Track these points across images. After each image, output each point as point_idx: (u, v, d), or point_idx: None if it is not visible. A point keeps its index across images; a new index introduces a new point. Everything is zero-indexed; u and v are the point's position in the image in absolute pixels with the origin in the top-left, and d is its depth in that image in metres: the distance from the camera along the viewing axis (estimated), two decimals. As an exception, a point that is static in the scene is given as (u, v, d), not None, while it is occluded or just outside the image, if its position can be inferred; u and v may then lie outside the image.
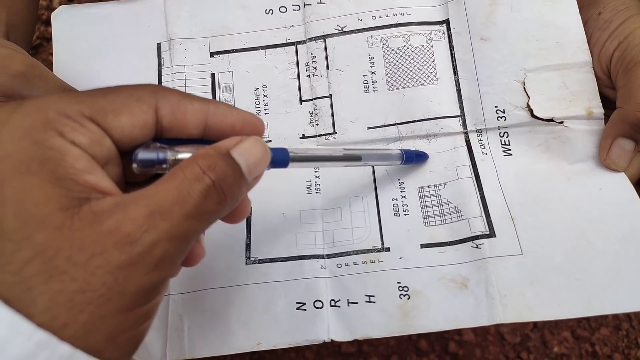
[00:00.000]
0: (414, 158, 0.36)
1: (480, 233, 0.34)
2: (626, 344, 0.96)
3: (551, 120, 0.36)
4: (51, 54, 0.39)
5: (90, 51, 0.40)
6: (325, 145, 0.38)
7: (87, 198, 0.20)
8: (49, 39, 1.19)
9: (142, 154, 0.22)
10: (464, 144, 0.37)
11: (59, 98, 0.21)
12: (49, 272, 0.18)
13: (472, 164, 0.36)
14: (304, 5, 0.40)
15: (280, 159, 0.27)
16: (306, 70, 0.39)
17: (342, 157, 0.32)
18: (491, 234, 0.34)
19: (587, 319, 0.97)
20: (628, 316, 0.97)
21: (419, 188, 0.36)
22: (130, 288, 0.19)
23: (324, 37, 0.40)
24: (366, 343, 0.95)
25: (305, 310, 0.33)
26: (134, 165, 0.22)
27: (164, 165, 0.22)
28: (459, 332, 0.95)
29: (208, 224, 0.22)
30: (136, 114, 0.22)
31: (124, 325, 0.20)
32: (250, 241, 0.35)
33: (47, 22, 1.24)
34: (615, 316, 0.97)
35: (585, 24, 0.37)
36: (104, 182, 0.21)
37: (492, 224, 0.34)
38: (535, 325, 0.98)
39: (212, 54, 0.40)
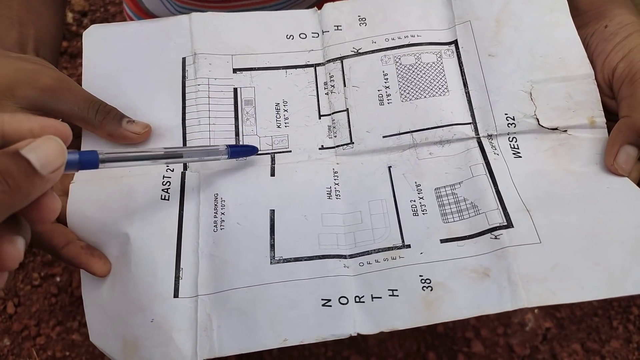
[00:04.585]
0: (241, 152, 0.39)
1: (498, 225, 0.35)
2: (637, 357, 0.97)
3: (555, 129, 0.38)
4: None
5: (118, 65, 0.42)
6: (344, 155, 0.40)
7: None
8: (73, 55, 1.22)
9: None
10: (477, 145, 0.39)
11: None
12: None
13: (485, 162, 0.38)
14: (322, 32, 0.43)
15: (89, 160, 0.29)
16: (324, 88, 0.42)
17: (162, 155, 0.35)
18: (509, 224, 0.35)
19: (598, 331, 0.98)
20: (639, 328, 0.98)
21: (435, 189, 0.38)
22: None
23: (341, 59, 0.42)
24: (374, 355, 0.96)
25: (330, 306, 0.34)
26: None
27: None
28: (467, 344, 0.96)
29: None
30: None
31: None
32: (274, 241, 0.36)
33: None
34: (626, 328, 0.98)
35: (591, 35, 0.40)
36: None
37: (508, 215, 0.36)
38: (545, 337, 0.98)
39: (235, 70, 0.42)
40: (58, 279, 1.03)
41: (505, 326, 0.98)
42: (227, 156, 0.38)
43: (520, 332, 0.98)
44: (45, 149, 0.25)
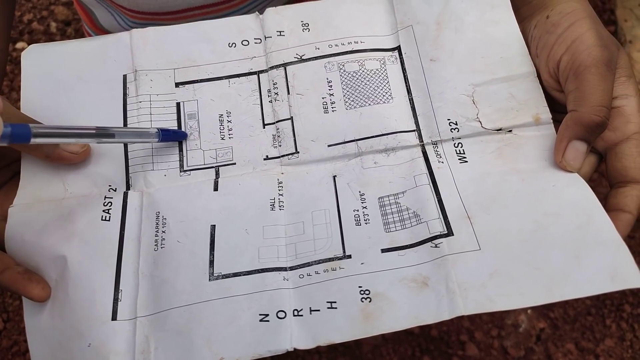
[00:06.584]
0: (172, 136, 0.40)
1: (439, 233, 0.35)
2: (631, 354, 0.95)
3: (500, 129, 0.38)
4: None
5: (57, 85, 0.41)
6: (289, 165, 0.40)
7: None
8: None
9: None
10: (421, 155, 0.38)
11: None
12: None
13: (429, 172, 0.37)
14: (265, 38, 0.43)
15: (21, 133, 0.30)
16: (268, 96, 0.41)
17: (94, 134, 0.34)
18: (449, 233, 0.35)
19: (592, 330, 0.96)
20: (632, 326, 0.96)
21: (379, 198, 0.37)
22: None
23: (284, 65, 0.42)
24: (368, 361, 0.95)
25: (268, 321, 0.33)
26: None
27: None
28: (462, 347, 0.95)
29: None
30: None
31: None
32: (213, 257, 0.36)
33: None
34: (619, 326, 0.96)
35: (534, 27, 0.39)
36: None
37: (449, 224, 0.35)
38: (539, 338, 0.97)
39: (177, 84, 0.41)
40: (46, 294, 1.03)
41: (499, 328, 0.97)
42: (157, 139, 0.38)
43: (514, 333, 0.97)
44: None
